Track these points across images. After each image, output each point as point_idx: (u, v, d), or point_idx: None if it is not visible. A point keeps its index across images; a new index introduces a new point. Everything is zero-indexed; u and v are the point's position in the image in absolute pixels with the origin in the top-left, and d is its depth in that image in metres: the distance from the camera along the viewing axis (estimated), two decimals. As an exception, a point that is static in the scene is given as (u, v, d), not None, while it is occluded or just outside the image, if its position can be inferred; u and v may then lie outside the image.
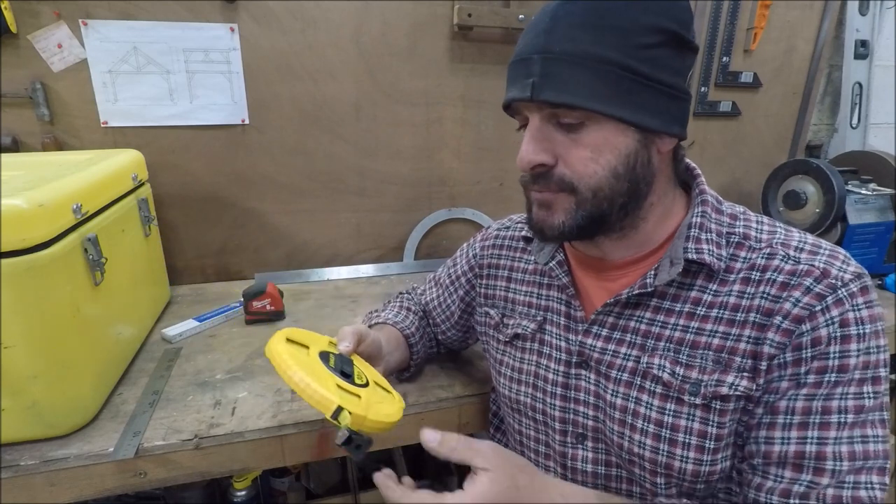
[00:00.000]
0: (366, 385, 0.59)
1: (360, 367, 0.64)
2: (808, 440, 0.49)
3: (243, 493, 1.12)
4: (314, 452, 0.77)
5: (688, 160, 0.61)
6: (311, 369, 0.56)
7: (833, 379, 0.49)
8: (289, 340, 0.60)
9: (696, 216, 0.56)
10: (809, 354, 0.49)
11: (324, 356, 0.60)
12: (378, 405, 0.57)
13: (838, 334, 0.49)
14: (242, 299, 1.07)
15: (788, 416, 0.50)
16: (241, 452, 0.74)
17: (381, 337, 0.73)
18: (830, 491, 0.48)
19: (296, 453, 0.76)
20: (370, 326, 0.81)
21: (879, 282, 1.29)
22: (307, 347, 0.61)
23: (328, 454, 0.78)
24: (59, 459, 0.68)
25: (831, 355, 0.49)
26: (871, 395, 0.49)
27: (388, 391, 0.64)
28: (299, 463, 1.24)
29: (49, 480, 0.68)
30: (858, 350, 0.49)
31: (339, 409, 0.52)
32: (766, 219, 0.58)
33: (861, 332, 0.49)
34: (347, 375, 0.59)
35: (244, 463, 0.74)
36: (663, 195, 0.57)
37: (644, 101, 0.50)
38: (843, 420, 0.49)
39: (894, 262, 1.34)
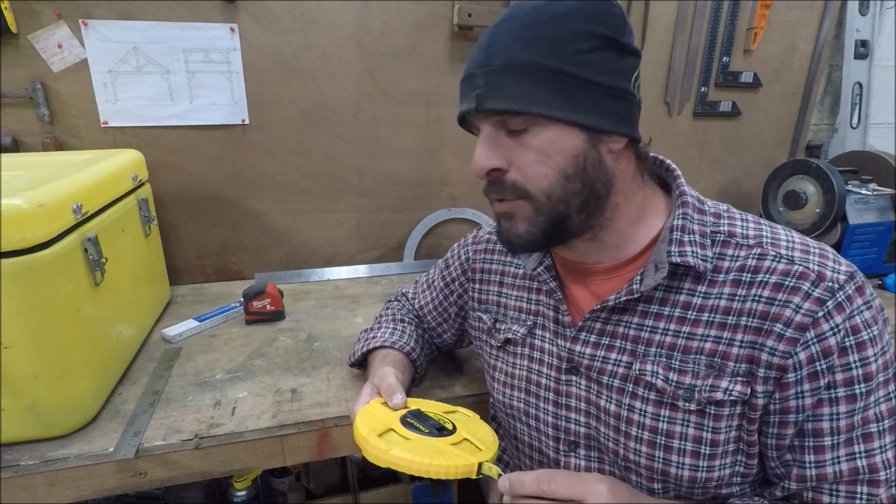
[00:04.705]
0: (454, 429, 0.59)
1: (431, 411, 0.62)
2: (857, 455, 0.50)
3: (243, 493, 1.12)
4: (314, 452, 0.77)
5: (668, 161, 0.61)
6: (425, 448, 0.54)
7: (864, 389, 0.50)
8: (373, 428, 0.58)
9: (678, 218, 0.56)
10: (825, 366, 0.49)
11: (406, 424, 0.58)
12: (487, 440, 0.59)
13: (853, 342, 0.49)
14: (242, 299, 1.07)
15: (835, 437, 0.50)
16: (241, 452, 0.74)
17: (398, 372, 0.71)
18: (883, 495, 0.51)
19: (296, 453, 0.76)
20: (369, 352, 0.80)
21: (879, 282, 1.29)
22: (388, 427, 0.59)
23: (328, 454, 0.78)
24: (59, 459, 0.68)
25: (853, 365, 0.49)
26: (895, 394, 0.51)
27: (466, 414, 0.66)
28: (299, 463, 1.24)
29: (49, 480, 0.68)
30: (875, 354, 0.50)
31: (480, 466, 0.54)
32: (750, 216, 0.58)
33: (872, 335, 0.50)
34: (440, 429, 0.58)
35: (244, 463, 0.74)
36: (631, 195, 0.57)
37: (584, 102, 0.51)
38: (882, 427, 0.51)
39: (894, 262, 1.34)
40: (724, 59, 1.51)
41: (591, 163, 0.53)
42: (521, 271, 0.70)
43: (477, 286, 0.76)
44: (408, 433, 0.56)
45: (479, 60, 0.53)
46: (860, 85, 1.72)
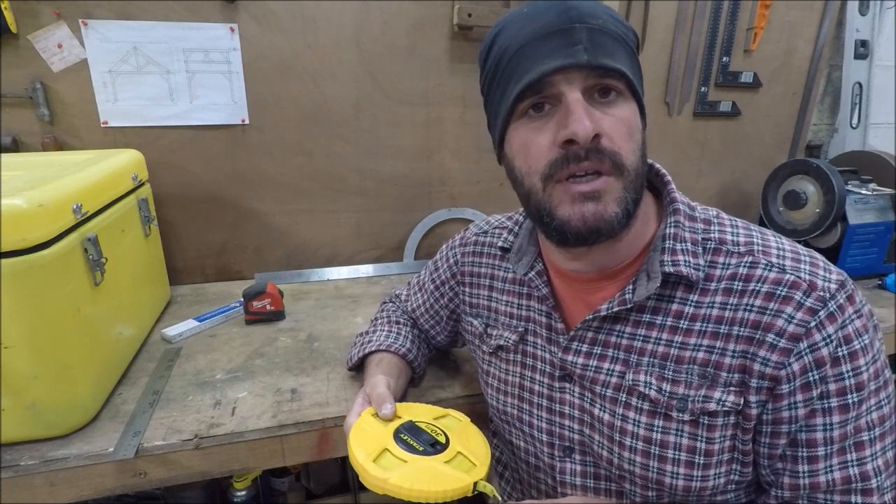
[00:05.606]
0: (447, 443, 0.58)
1: (423, 420, 0.62)
2: (850, 463, 0.50)
3: (243, 493, 1.12)
4: (314, 452, 0.77)
5: (657, 165, 0.60)
6: (421, 472, 0.54)
7: (856, 399, 0.49)
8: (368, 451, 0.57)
9: (670, 226, 0.55)
10: (818, 377, 0.48)
11: (399, 440, 0.58)
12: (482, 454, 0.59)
13: (845, 352, 0.49)
14: (242, 299, 1.07)
15: (828, 447, 0.50)
16: (241, 452, 0.74)
17: (391, 379, 0.71)
18: (876, 502, 0.50)
19: (296, 453, 0.76)
20: (365, 356, 0.79)
21: (879, 282, 1.29)
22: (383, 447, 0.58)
23: (328, 454, 0.78)
24: (59, 459, 0.68)
25: (845, 375, 0.49)
26: (886, 401, 0.51)
27: (458, 419, 0.66)
28: (299, 463, 1.24)
29: (49, 480, 0.68)
30: (867, 363, 0.49)
31: (475, 484, 0.54)
32: (739, 221, 0.57)
33: (863, 343, 0.49)
34: (434, 444, 0.57)
35: (244, 463, 0.74)
36: (645, 195, 0.57)
37: (643, 90, 0.52)
38: (873, 436, 0.50)
39: (894, 262, 1.34)
40: (724, 59, 1.51)
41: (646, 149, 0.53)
42: (510, 275, 0.69)
43: (467, 290, 0.75)
44: (403, 454, 0.56)
45: (571, 17, 0.48)
46: (860, 85, 1.72)
